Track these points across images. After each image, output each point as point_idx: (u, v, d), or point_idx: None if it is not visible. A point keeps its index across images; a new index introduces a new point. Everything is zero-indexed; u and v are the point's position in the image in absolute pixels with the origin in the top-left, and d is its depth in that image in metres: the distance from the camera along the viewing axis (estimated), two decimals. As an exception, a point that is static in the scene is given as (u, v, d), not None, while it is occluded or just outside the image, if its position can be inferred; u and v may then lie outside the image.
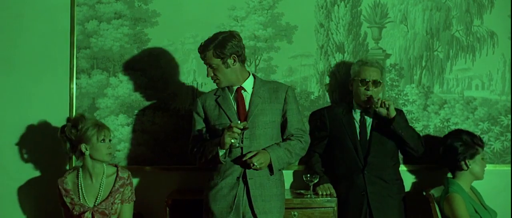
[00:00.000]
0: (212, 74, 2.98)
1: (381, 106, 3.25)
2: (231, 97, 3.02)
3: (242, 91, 3.03)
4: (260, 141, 2.97)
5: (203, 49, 2.97)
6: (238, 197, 2.93)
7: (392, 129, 3.28)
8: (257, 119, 2.98)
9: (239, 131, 2.82)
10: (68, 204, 3.10)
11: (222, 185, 2.96)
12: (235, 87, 3.02)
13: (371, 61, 3.44)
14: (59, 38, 3.63)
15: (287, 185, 3.64)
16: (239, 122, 2.87)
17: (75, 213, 3.09)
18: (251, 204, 2.93)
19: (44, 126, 3.61)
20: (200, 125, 3.07)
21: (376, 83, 3.35)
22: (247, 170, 2.94)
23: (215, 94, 3.07)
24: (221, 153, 2.88)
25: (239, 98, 3.01)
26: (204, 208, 3.02)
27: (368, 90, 3.33)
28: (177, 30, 3.64)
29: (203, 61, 3.00)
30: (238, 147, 2.92)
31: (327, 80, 3.67)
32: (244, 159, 2.91)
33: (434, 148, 3.62)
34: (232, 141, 2.83)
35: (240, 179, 2.94)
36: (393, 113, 3.26)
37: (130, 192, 3.19)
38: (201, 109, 3.06)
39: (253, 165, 2.89)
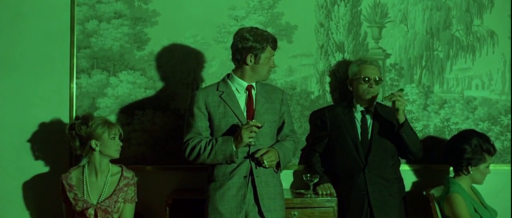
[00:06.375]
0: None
1: (393, 106, 3.21)
2: (237, 95, 3.02)
3: (252, 89, 3.04)
4: (266, 139, 3.00)
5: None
6: (248, 195, 2.93)
7: (397, 132, 3.27)
8: (263, 117, 2.99)
9: (257, 129, 2.86)
10: (71, 199, 3.11)
11: (229, 185, 2.94)
12: (245, 84, 3.03)
13: (371, 59, 3.45)
14: (59, 37, 3.63)
15: (287, 185, 3.64)
16: (250, 121, 2.89)
17: (78, 209, 3.09)
18: (257, 202, 2.94)
19: (44, 126, 3.60)
20: (201, 121, 2.99)
21: (378, 81, 3.36)
22: (253, 169, 2.94)
23: (217, 89, 3.03)
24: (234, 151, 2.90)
25: (249, 96, 3.02)
26: (209, 208, 2.97)
27: (371, 88, 3.33)
28: (177, 30, 3.64)
29: (273, 55, 3.06)
30: (254, 145, 2.93)
31: (327, 79, 3.67)
32: (256, 155, 2.92)
33: (434, 148, 3.63)
34: (250, 139, 2.85)
35: (248, 177, 2.95)
36: (402, 118, 3.24)
37: (133, 192, 3.20)
38: (203, 104, 3.00)
39: (263, 162, 2.90)
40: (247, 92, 3.03)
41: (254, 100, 3.02)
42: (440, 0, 3.72)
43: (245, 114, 2.99)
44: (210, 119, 3.00)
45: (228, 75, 3.08)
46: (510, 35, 3.72)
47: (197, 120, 2.99)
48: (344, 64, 3.66)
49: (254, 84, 3.05)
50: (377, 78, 3.35)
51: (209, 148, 2.92)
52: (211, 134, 3.01)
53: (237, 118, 2.96)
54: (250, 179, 2.95)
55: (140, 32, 3.64)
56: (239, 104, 3.00)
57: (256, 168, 2.95)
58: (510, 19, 3.73)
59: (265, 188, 2.96)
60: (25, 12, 3.63)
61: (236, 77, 3.03)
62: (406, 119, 3.27)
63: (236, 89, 3.03)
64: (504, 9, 3.73)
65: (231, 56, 3.07)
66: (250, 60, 2.97)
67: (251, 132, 2.85)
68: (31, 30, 3.63)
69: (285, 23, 3.66)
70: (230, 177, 2.95)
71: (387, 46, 3.71)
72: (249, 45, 2.95)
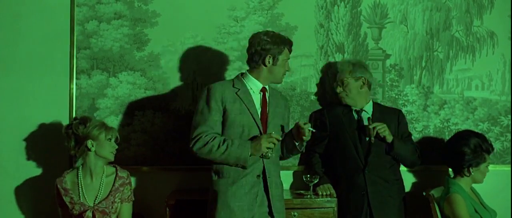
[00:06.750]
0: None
1: (376, 136, 3.26)
2: (252, 95, 3.01)
3: (266, 92, 3.05)
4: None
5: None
6: (260, 195, 2.93)
7: (391, 155, 3.33)
8: (274, 120, 3.01)
9: (277, 142, 2.88)
10: (67, 203, 3.10)
11: (242, 183, 2.92)
12: (260, 86, 3.03)
13: (343, 62, 3.51)
14: (59, 38, 3.62)
15: (287, 186, 3.64)
16: (272, 132, 2.91)
17: (75, 212, 3.09)
18: (269, 203, 2.94)
19: (44, 126, 3.60)
20: (216, 115, 2.93)
21: (342, 82, 3.40)
22: (266, 168, 2.94)
23: (233, 86, 3.01)
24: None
25: (264, 98, 3.03)
26: (219, 203, 2.92)
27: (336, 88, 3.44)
28: (177, 30, 3.64)
29: (288, 57, 3.07)
30: (268, 158, 2.93)
31: (327, 80, 3.68)
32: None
33: (434, 149, 3.63)
34: (267, 149, 2.88)
35: (260, 176, 2.95)
36: (390, 138, 3.28)
37: (129, 191, 3.20)
38: (220, 98, 2.95)
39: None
40: (262, 94, 3.03)
41: (268, 103, 3.03)
42: (440, 0, 3.72)
43: (259, 114, 2.99)
44: (224, 114, 2.96)
45: (242, 74, 3.08)
46: (510, 35, 3.72)
47: (213, 113, 2.94)
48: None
49: (267, 87, 3.06)
50: (341, 80, 3.42)
51: (223, 147, 2.88)
52: (222, 129, 2.97)
53: (252, 116, 2.95)
54: (262, 178, 2.95)
55: (140, 33, 3.64)
56: (254, 103, 2.99)
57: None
58: (510, 19, 3.73)
59: (275, 189, 2.98)
60: (25, 13, 3.63)
61: (252, 77, 3.02)
62: (394, 137, 3.30)
63: (251, 88, 3.03)
64: (504, 9, 3.74)
65: (247, 59, 3.06)
66: (269, 62, 2.99)
67: (270, 142, 2.86)
68: (31, 31, 3.63)
69: (285, 24, 3.66)
70: (243, 175, 2.93)
71: (387, 47, 3.71)
72: (268, 47, 2.97)
